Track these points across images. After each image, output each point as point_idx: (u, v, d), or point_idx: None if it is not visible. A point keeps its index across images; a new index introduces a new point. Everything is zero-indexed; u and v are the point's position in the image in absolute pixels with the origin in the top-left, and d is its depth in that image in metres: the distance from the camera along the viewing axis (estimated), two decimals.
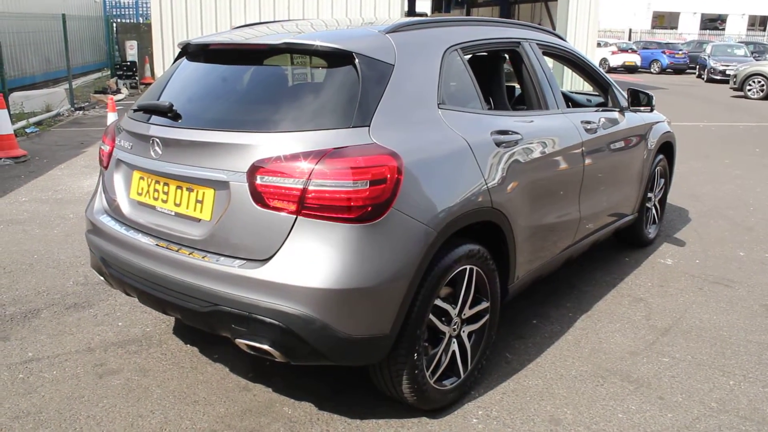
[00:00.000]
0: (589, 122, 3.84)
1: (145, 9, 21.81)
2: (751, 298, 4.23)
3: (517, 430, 2.77)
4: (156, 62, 15.74)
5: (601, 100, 4.56)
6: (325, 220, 2.31)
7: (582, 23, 18.36)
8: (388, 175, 2.34)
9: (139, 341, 3.50)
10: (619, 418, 2.88)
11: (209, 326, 2.57)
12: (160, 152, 2.64)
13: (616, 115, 4.28)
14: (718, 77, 22.67)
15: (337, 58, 2.57)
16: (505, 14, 24.79)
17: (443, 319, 2.74)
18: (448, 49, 2.94)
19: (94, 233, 3.06)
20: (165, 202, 2.70)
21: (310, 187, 2.30)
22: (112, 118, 8.37)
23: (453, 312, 2.78)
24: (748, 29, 53.17)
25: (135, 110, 2.94)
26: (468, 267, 2.77)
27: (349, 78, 2.52)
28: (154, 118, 2.76)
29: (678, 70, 28.17)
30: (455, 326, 2.82)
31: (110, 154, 3.02)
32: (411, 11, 25.40)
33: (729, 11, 56.13)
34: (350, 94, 2.49)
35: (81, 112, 12.65)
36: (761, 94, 17.61)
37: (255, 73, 2.76)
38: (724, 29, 54.43)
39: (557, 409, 2.93)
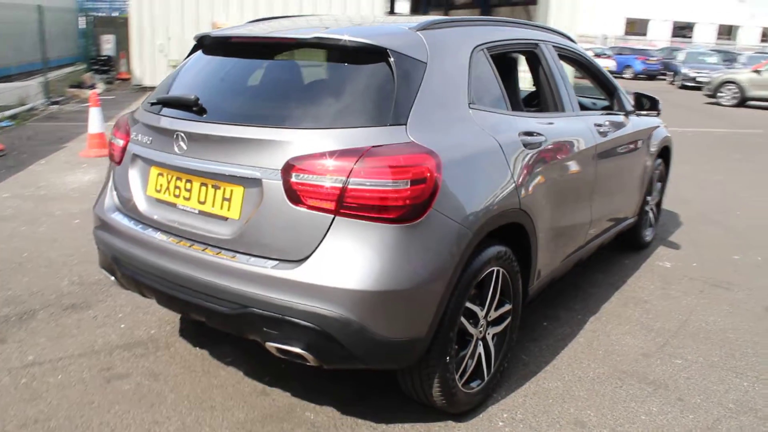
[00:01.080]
0: (600, 125, 3.85)
1: (121, 2, 21.38)
2: (752, 301, 4.28)
3: None
4: (134, 57, 15.43)
5: (605, 103, 4.57)
6: (364, 220, 2.25)
7: (562, 28, 18.55)
8: (428, 175, 2.30)
9: (145, 344, 3.38)
10: (642, 420, 2.87)
11: (237, 329, 2.49)
12: (185, 147, 2.54)
13: (622, 118, 4.30)
14: (691, 84, 23.12)
15: (370, 54, 2.51)
16: (485, 14, 24.88)
17: (471, 321, 2.70)
18: (475, 48, 2.90)
19: (105, 231, 2.95)
20: (187, 199, 2.60)
21: (350, 186, 2.23)
22: (95, 113, 8.15)
23: (480, 314, 2.74)
24: (717, 38, 54.43)
25: (153, 103, 2.84)
26: (495, 269, 2.74)
27: (383, 75, 2.47)
28: (178, 112, 2.66)
29: (651, 76, 28.65)
30: (481, 328, 2.78)
31: (124, 149, 2.90)
32: (391, 11, 25.35)
33: (698, 20, 57.34)
34: (385, 91, 2.44)
35: (56, 106, 12.32)
36: (734, 101, 18.00)
37: (284, 68, 2.68)
38: (691, 37, 55.61)
39: (580, 412, 2.91)
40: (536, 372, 3.24)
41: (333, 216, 2.26)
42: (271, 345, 2.39)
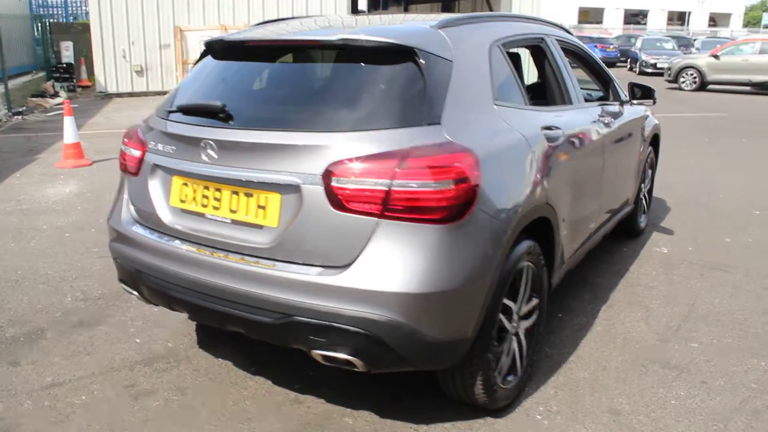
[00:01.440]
0: (603, 116, 3.91)
1: (75, 8, 20.84)
2: (751, 282, 4.40)
3: (581, 423, 2.78)
4: (96, 64, 15.05)
5: (599, 93, 4.64)
6: (410, 221, 2.24)
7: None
8: (470, 174, 2.30)
9: (165, 358, 3.31)
10: (673, 404, 2.93)
11: (280, 339, 2.46)
12: (214, 156, 2.49)
13: (619, 108, 4.37)
14: (650, 70, 23.66)
15: (397, 54, 2.50)
16: (446, 10, 25.00)
17: (507, 317, 2.72)
18: (492, 44, 2.92)
19: (125, 244, 2.87)
20: (217, 209, 2.55)
21: (394, 188, 2.22)
22: (69, 122, 7.93)
23: (515, 309, 2.76)
24: (667, 24, 55.72)
25: (171, 111, 2.77)
26: (526, 263, 2.76)
27: (413, 75, 2.46)
28: (203, 120, 2.60)
29: (609, 64, 29.14)
30: (515, 324, 2.80)
31: (141, 160, 2.83)
32: (354, 8, 25.22)
33: (650, 7, 58.66)
34: (417, 91, 2.43)
35: (20, 117, 11.95)
36: (694, 85, 18.48)
37: (309, 71, 2.64)
38: (645, 24, 56.81)
39: (612, 400, 2.96)
40: (561, 363, 3.28)
41: (378, 219, 2.25)
42: (317, 353, 2.36)
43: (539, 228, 2.92)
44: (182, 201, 2.67)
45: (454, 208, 2.26)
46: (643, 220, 5.34)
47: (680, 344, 3.50)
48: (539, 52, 3.54)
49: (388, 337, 2.26)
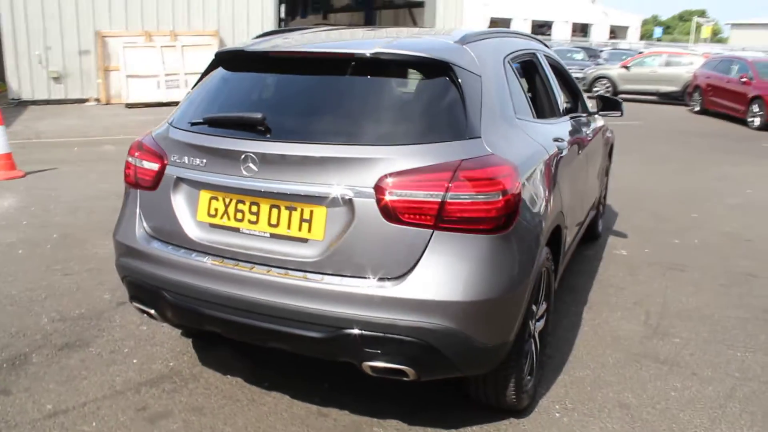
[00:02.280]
0: (583, 126, 4.13)
1: None
2: (708, 280, 4.76)
3: (597, 418, 2.94)
4: (8, 69, 14.13)
5: (568, 105, 4.88)
6: (462, 232, 2.31)
7: (449, 26, 19.25)
8: (513, 185, 2.39)
9: (170, 377, 3.21)
10: (673, 396, 3.15)
11: (329, 353, 2.45)
12: (255, 169, 2.45)
13: (588, 119, 4.62)
14: None
15: (433, 68, 2.57)
16: (369, 20, 25.26)
17: (531, 320, 2.83)
18: (504, 59, 3.04)
19: (141, 261, 2.77)
20: (254, 223, 2.52)
21: (448, 200, 2.28)
22: (1, 132, 7.44)
23: (536, 312, 2.88)
24: (572, 35, 58.51)
25: (195, 123, 2.70)
26: (545, 269, 2.89)
27: (451, 89, 2.53)
28: (239, 132, 2.56)
29: None
30: (533, 326, 2.92)
31: (160, 173, 2.73)
32: (280, 16, 24.96)
33: (555, 18, 61.47)
34: (456, 105, 2.50)
35: None
36: (608, 95, 19.54)
37: (346, 83, 2.65)
38: (550, 35, 59.43)
39: (618, 395, 3.14)
40: (563, 363, 3.44)
41: (432, 231, 2.30)
42: (368, 365, 2.38)
43: (552, 235, 3.07)
44: (211, 215, 2.61)
45: (501, 218, 2.34)
46: (600, 224, 5.64)
47: (663, 340, 3.75)
48: (532, 67, 3.70)
49: (442, 344, 2.31)
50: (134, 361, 3.37)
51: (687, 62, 19.30)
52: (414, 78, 2.58)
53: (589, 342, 3.70)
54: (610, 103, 4.82)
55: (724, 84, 15.28)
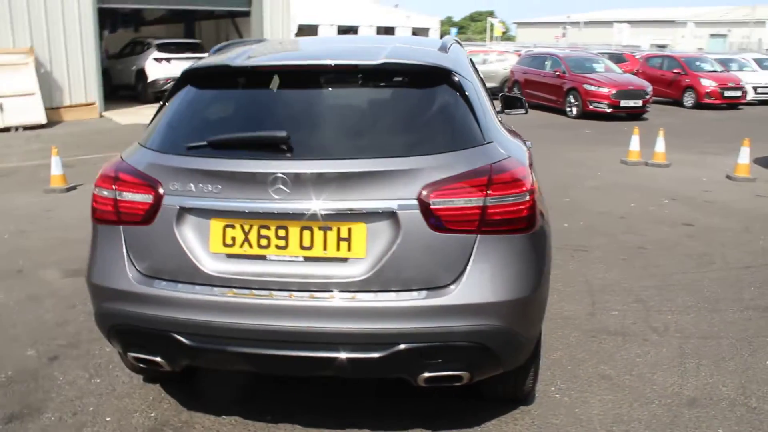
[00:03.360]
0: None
1: None
2: (610, 256, 5.31)
3: (589, 392, 3.19)
4: None
5: None
6: (502, 234, 2.39)
7: (276, 35, 19.14)
8: (533, 185, 2.52)
9: (161, 430, 2.91)
10: (639, 361, 3.51)
11: (386, 371, 2.40)
12: (286, 190, 2.32)
13: None
14: None
15: (436, 76, 2.62)
16: (189, 32, 24.17)
17: None
18: (470, 63, 3.17)
19: (140, 305, 2.48)
20: (283, 248, 2.38)
21: (488, 204, 2.35)
22: None
23: None
24: None
25: (193, 147, 2.48)
26: None
27: (455, 95, 2.59)
28: (263, 153, 2.40)
29: None
30: None
31: (155, 205, 2.47)
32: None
33: (360, 23, 63.53)
34: (465, 110, 2.58)
35: None
36: None
37: (357, 95, 2.59)
38: None
39: (596, 368, 3.43)
40: None
41: (475, 236, 2.35)
42: (425, 376, 2.37)
43: None
44: (228, 245, 2.42)
45: (531, 217, 2.47)
46: None
47: (605, 314, 4.14)
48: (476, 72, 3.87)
49: (494, 344, 2.38)
50: (107, 419, 3.01)
51: (502, 59, 21.04)
52: (421, 86, 2.60)
53: (547, 325, 3.95)
54: (513, 102, 5.15)
55: (540, 78, 16.94)
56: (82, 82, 14.65)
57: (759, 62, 20.64)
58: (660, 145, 9.32)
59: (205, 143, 2.47)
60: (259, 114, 2.63)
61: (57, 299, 4.42)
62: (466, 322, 2.33)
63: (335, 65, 2.59)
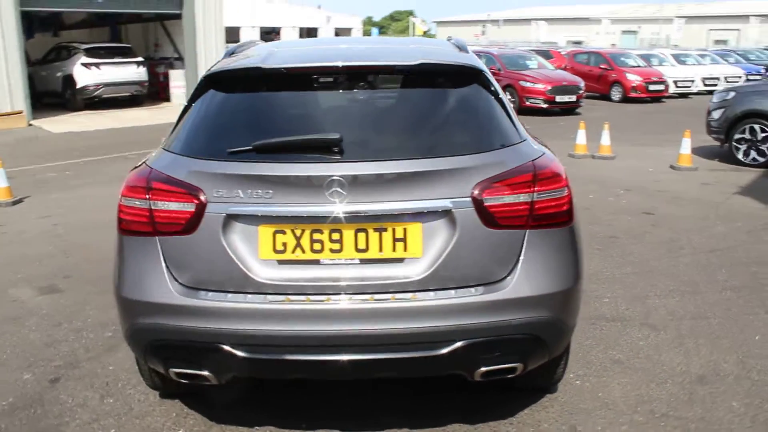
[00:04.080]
0: None
1: None
2: (586, 248, 5.38)
3: (607, 377, 3.33)
4: None
5: None
6: (548, 227, 2.47)
7: (210, 38, 18.72)
8: (567, 179, 2.61)
9: None
10: (643, 345, 3.68)
11: (444, 368, 2.43)
12: (343, 193, 2.31)
13: None
14: None
15: (468, 76, 2.68)
16: (114, 36, 23.23)
17: None
18: None
19: (185, 318, 2.40)
20: (337, 251, 2.37)
21: (536, 199, 2.42)
22: None
23: None
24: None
25: (234, 152, 2.43)
26: None
27: (488, 94, 2.66)
28: (316, 156, 2.38)
29: None
30: None
31: (198, 213, 2.40)
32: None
33: (282, 24, 63.03)
34: (499, 108, 2.65)
35: None
36: None
37: (398, 96, 2.61)
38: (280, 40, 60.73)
39: (605, 353, 3.58)
40: None
41: (525, 231, 2.42)
42: (482, 370, 2.42)
43: None
44: (278, 251, 2.38)
45: (571, 210, 2.56)
46: None
47: (598, 302, 4.31)
48: None
49: (546, 334, 2.47)
50: None
51: None
52: (457, 86, 2.64)
53: None
54: None
55: None
56: (6, 89, 13.87)
57: (676, 57, 21.86)
58: (605, 138, 9.73)
59: (249, 147, 2.42)
60: (301, 116, 2.61)
61: (38, 318, 4.20)
62: (521, 315, 2.39)
63: (373, 66, 2.60)
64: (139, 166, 2.67)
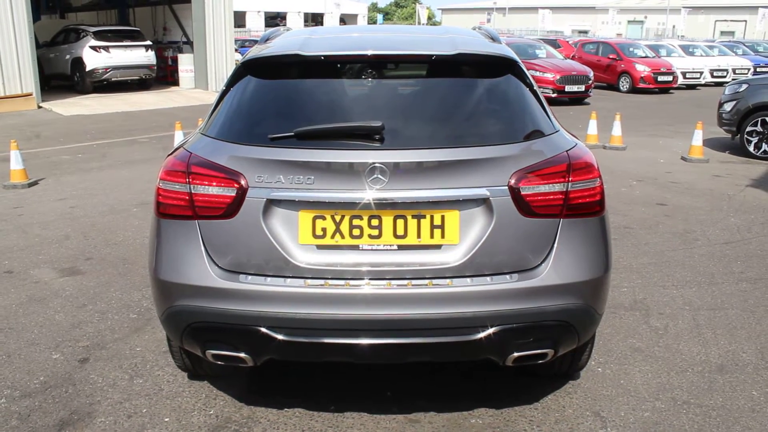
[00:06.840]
0: None
1: None
2: None
3: (628, 365, 3.38)
4: None
5: None
6: (581, 217, 2.51)
7: (219, 23, 18.65)
8: (599, 170, 2.64)
9: (226, 427, 2.89)
10: (662, 333, 3.74)
11: (478, 353, 2.48)
12: (384, 179, 2.35)
13: None
14: None
15: (504, 67, 2.71)
16: (122, 18, 23.13)
17: None
18: None
19: (225, 300, 2.45)
20: (376, 237, 2.42)
21: (570, 189, 2.46)
22: None
23: None
24: (305, 25, 60.36)
25: (277, 137, 2.46)
26: None
27: (522, 85, 2.69)
28: (358, 143, 2.42)
29: None
30: None
31: (239, 198, 2.44)
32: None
33: (288, 9, 62.72)
34: (533, 99, 2.68)
35: None
36: None
37: (439, 85, 2.65)
38: (285, 25, 60.54)
39: (625, 342, 3.63)
40: None
41: (559, 220, 2.46)
42: (515, 355, 2.47)
43: None
44: (318, 236, 2.43)
45: (602, 200, 2.60)
46: None
47: (616, 291, 4.36)
48: None
49: (576, 321, 2.52)
50: (165, 419, 2.96)
51: None
52: (493, 76, 2.68)
53: None
54: None
55: None
56: (17, 71, 13.87)
57: (684, 48, 21.78)
58: (617, 129, 9.74)
59: (291, 134, 2.46)
60: (340, 104, 2.64)
61: (62, 299, 4.26)
62: (555, 302, 2.44)
63: (411, 55, 2.63)
64: (177, 150, 2.71)
